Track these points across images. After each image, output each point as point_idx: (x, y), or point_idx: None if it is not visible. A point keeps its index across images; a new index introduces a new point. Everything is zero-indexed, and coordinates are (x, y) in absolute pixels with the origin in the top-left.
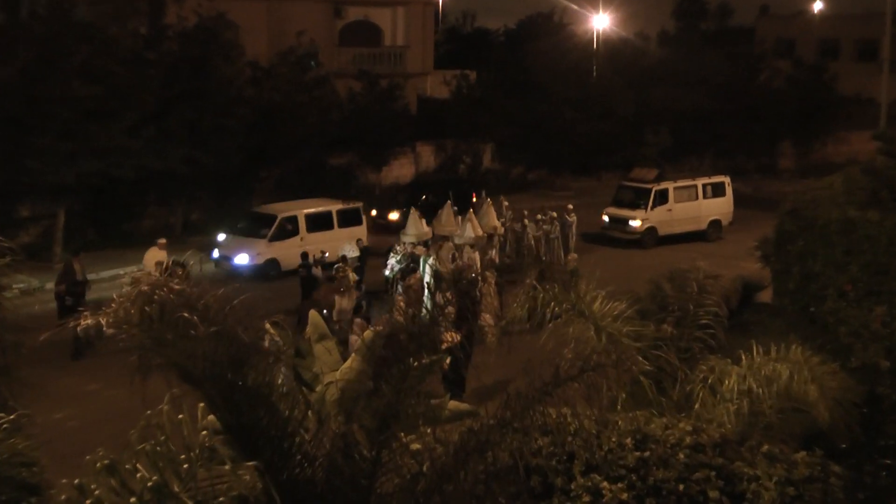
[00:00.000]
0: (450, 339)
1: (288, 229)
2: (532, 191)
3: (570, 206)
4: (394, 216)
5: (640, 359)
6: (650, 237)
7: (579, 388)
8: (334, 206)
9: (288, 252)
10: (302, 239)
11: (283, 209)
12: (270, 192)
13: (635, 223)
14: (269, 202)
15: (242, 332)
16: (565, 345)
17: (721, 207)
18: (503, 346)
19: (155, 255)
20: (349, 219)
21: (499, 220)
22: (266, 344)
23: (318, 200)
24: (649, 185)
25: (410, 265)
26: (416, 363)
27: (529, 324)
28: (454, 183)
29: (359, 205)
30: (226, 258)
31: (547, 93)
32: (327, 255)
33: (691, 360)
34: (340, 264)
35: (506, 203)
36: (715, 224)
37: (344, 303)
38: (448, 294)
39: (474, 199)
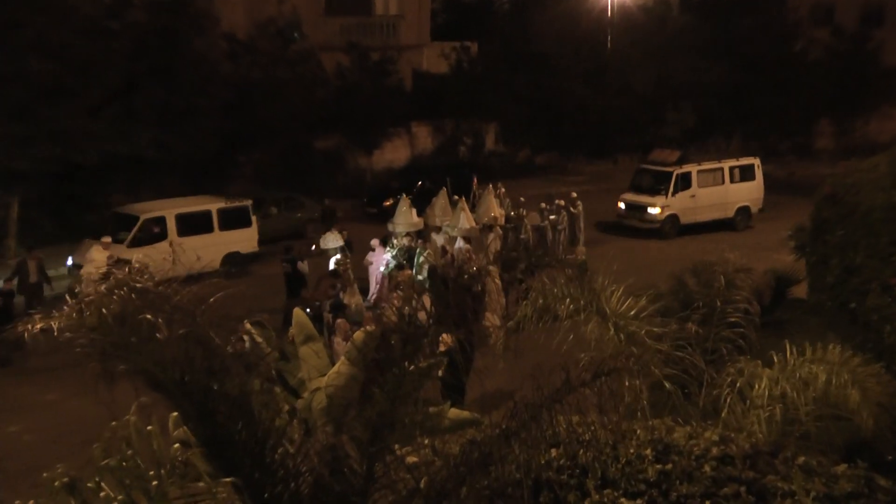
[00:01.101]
0: (448, 341)
1: (154, 232)
2: (540, 176)
3: (574, 195)
4: (387, 204)
5: (662, 361)
6: (671, 226)
7: (594, 395)
8: (215, 205)
9: (153, 259)
10: (171, 243)
11: (147, 209)
12: (249, 178)
13: (655, 210)
14: (247, 189)
15: (217, 334)
16: (579, 346)
17: (750, 193)
18: (509, 349)
19: (96, 256)
20: (233, 220)
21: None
22: (246, 346)
23: (197, 198)
24: (670, 169)
25: (404, 262)
26: (412, 367)
27: (539, 324)
28: (454, 167)
29: (246, 203)
30: (78, 266)
31: (556, 67)
32: (314, 247)
33: (718, 363)
34: (341, 256)
35: (502, 189)
36: (743, 211)
37: (354, 301)
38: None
39: (475, 186)
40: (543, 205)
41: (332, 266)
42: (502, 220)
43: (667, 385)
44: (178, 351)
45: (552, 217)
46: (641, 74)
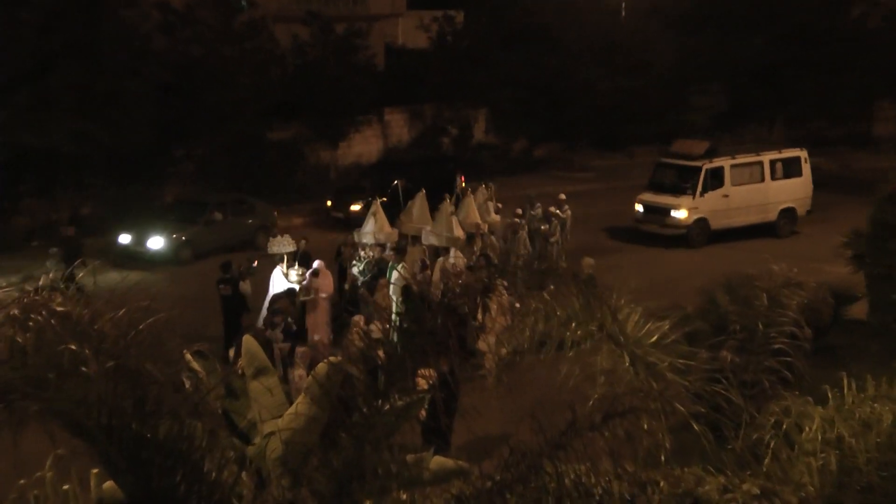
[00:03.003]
0: (428, 376)
1: None
2: (540, 172)
3: (563, 197)
4: (355, 208)
5: (690, 398)
6: (700, 232)
7: (606, 439)
8: None
9: None
10: None
11: None
12: (189, 177)
13: (679, 214)
14: (187, 190)
15: (152, 367)
16: (588, 380)
17: (795, 191)
18: (502, 383)
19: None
20: None
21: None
22: (186, 384)
23: None
24: (698, 163)
25: (368, 278)
26: (387, 406)
27: (540, 352)
28: (435, 162)
29: None
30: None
31: (559, 42)
32: (256, 264)
33: (759, 399)
34: (297, 269)
35: (492, 189)
36: (787, 214)
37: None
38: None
39: (460, 184)
40: (519, 210)
41: (288, 277)
42: (484, 228)
43: (695, 426)
44: (105, 388)
45: (544, 227)
46: (661, 50)
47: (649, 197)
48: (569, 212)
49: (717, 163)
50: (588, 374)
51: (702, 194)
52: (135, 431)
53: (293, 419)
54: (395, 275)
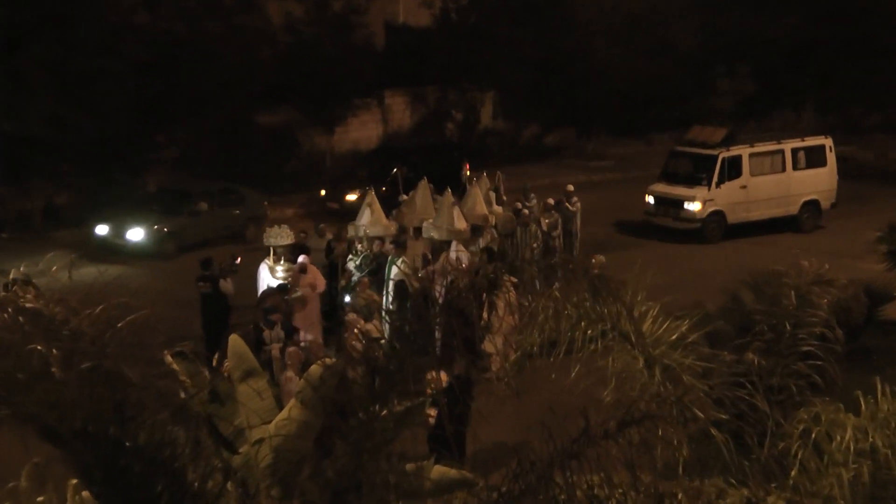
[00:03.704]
0: (434, 379)
1: None
2: (552, 160)
3: (571, 188)
4: (352, 198)
5: (711, 403)
6: (716, 226)
7: (621, 448)
8: None
9: None
10: None
11: None
12: (173, 164)
13: (694, 206)
14: (170, 178)
15: (132, 369)
16: (601, 383)
17: (819, 182)
18: (510, 389)
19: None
20: None
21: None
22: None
23: None
24: (714, 151)
25: (365, 274)
26: (385, 411)
27: (550, 353)
28: (439, 149)
29: None
30: None
31: (574, 19)
32: (239, 261)
33: (787, 406)
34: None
35: (500, 179)
36: (811, 207)
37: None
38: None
39: (465, 173)
40: (518, 204)
41: (274, 272)
42: (493, 220)
43: (717, 434)
44: (80, 391)
45: (545, 220)
46: (684, 29)
47: (662, 188)
48: (578, 204)
49: (735, 151)
50: (601, 377)
51: (718, 185)
52: (113, 438)
53: (284, 425)
54: (394, 270)
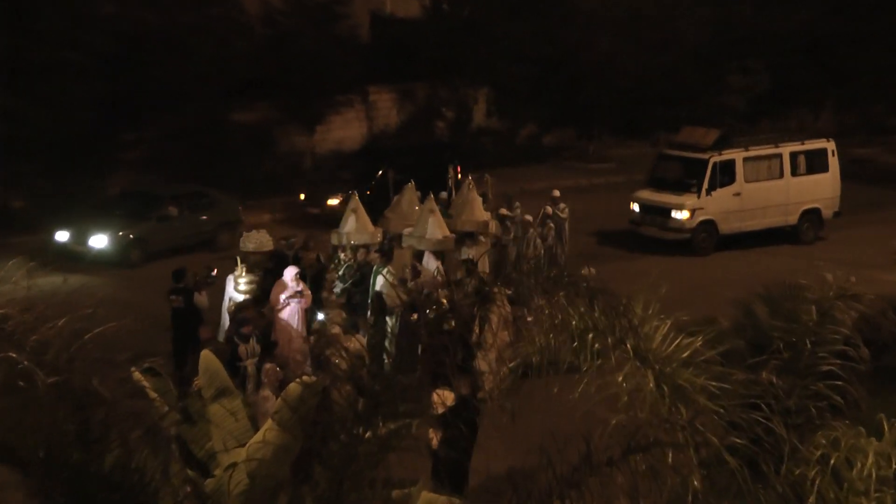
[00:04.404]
0: (440, 401)
1: None
2: (550, 162)
3: (557, 193)
4: (333, 202)
5: (723, 427)
6: (707, 237)
7: (626, 475)
8: None
9: None
10: None
11: None
12: (139, 165)
13: (681, 215)
14: (136, 180)
15: (98, 385)
16: (605, 404)
17: (821, 190)
18: (506, 409)
19: None
20: None
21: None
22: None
23: None
24: (705, 155)
25: (349, 284)
26: (368, 433)
27: (549, 371)
28: (428, 150)
29: None
30: None
31: (575, 10)
32: (216, 272)
33: (805, 429)
34: (252, 279)
35: (488, 181)
36: (811, 216)
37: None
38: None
39: (452, 176)
40: (503, 210)
41: (237, 285)
42: (493, 228)
43: (730, 460)
44: (42, 411)
45: (540, 229)
46: (693, 21)
47: (648, 195)
48: (566, 210)
49: (727, 155)
50: (605, 397)
51: (709, 192)
52: (77, 462)
53: (259, 448)
54: (380, 281)
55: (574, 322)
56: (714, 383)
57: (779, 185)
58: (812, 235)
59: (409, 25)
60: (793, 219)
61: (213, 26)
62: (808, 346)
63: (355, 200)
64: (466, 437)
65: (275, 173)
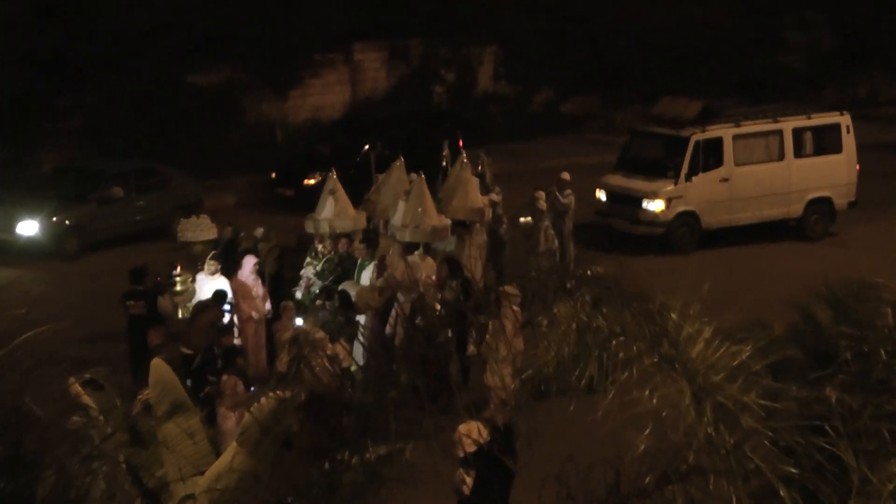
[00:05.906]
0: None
1: None
2: (570, 134)
3: (567, 177)
4: (309, 182)
5: (777, 453)
6: (687, 232)
7: None
8: None
9: None
10: None
11: None
12: (77, 136)
13: (654, 205)
14: (73, 154)
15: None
16: (634, 423)
17: (832, 174)
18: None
19: None
20: None
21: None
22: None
23: None
24: (685, 132)
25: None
26: (354, 459)
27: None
28: (424, 120)
29: None
30: None
31: None
32: (178, 272)
33: (877, 457)
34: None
35: (484, 159)
36: (821, 206)
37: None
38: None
39: (447, 152)
40: (495, 197)
41: (205, 282)
42: (489, 215)
43: (785, 494)
44: None
45: (523, 219)
46: None
47: (617, 180)
48: (571, 197)
49: (712, 132)
50: (634, 416)
51: (688, 178)
52: (4, 491)
53: (222, 476)
54: (365, 277)
55: (595, 325)
56: (765, 401)
57: (778, 168)
58: (821, 230)
59: None
60: (796, 210)
61: None
62: (884, 356)
63: (334, 180)
64: (507, 477)
65: (240, 147)
